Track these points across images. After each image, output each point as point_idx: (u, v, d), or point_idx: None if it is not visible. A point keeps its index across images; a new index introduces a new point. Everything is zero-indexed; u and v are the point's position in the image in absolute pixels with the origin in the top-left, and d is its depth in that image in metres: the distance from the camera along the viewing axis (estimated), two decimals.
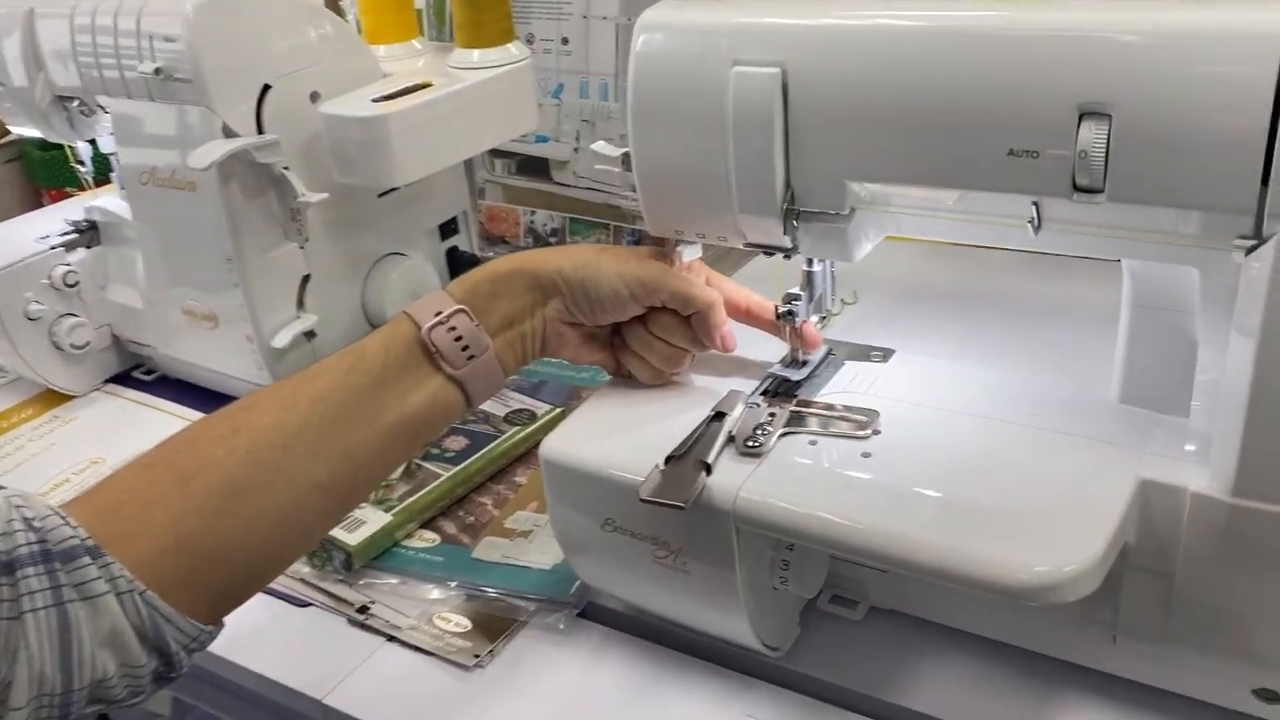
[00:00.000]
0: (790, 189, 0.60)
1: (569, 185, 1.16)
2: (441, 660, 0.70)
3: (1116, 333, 0.61)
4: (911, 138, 0.54)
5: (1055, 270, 0.77)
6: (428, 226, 1.05)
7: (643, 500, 0.58)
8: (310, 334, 0.94)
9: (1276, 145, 0.46)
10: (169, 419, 1.00)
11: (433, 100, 0.88)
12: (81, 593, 0.50)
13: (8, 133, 1.32)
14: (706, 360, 0.69)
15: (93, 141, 1.05)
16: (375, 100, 0.87)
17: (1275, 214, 0.47)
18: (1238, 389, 0.51)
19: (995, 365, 0.67)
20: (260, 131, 0.87)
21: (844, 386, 0.66)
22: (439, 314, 0.62)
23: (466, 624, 0.72)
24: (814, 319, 0.68)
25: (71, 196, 1.26)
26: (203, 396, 1.02)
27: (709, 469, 0.59)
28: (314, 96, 0.90)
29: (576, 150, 1.14)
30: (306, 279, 0.94)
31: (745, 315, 0.69)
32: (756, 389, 0.66)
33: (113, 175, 1.04)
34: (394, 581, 0.77)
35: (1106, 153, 0.49)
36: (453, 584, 0.75)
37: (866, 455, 0.59)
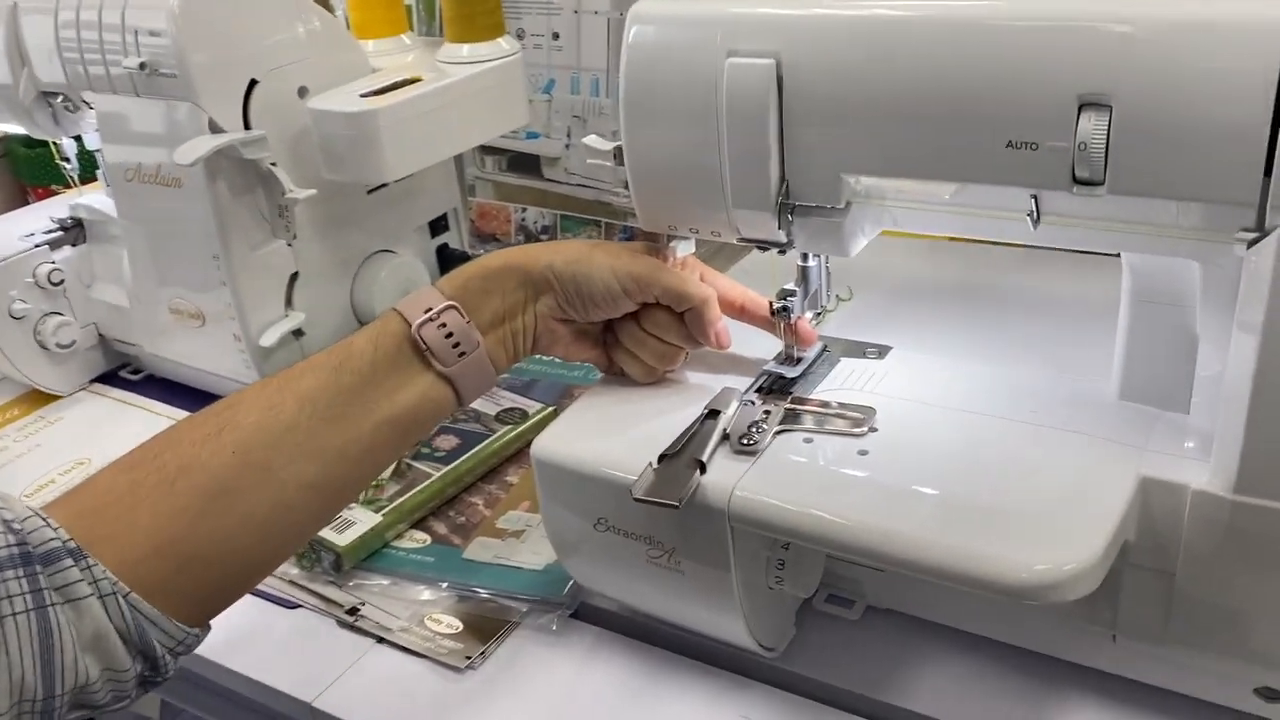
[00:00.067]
0: (785, 183, 0.59)
1: (560, 182, 1.15)
2: (433, 662, 0.69)
3: (1116, 328, 0.60)
4: (909, 130, 0.54)
5: (1054, 265, 0.76)
6: (417, 223, 1.04)
7: (636, 499, 0.57)
8: (299, 332, 0.93)
9: (1279, 136, 0.45)
10: (156, 419, 0.99)
11: (422, 95, 0.88)
12: (63, 595, 0.49)
13: None
14: (700, 357, 0.69)
15: (78, 138, 1.04)
16: (364, 95, 0.86)
17: (1278, 206, 0.47)
18: (1240, 385, 0.50)
19: (993, 361, 0.66)
20: (247, 127, 0.86)
21: (840, 383, 0.66)
22: (429, 310, 0.61)
23: (458, 625, 0.71)
24: (809, 315, 0.67)
25: (57, 194, 1.25)
26: (190, 396, 1.01)
27: (703, 467, 0.58)
28: (302, 92, 0.89)
29: (568, 146, 1.13)
30: (295, 277, 0.93)
31: (739, 312, 0.68)
32: (751, 386, 0.66)
33: (99, 172, 1.03)
34: (384, 582, 0.76)
35: (1107, 144, 0.49)
36: (444, 585, 0.74)
37: (863, 453, 0.59)
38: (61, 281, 1.01)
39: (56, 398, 1.04)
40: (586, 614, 0.71)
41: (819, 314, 0.69)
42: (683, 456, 0.59)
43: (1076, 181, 0.50)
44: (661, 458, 0.59)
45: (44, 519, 0.50)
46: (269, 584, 0.75)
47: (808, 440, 0.60)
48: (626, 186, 0.65)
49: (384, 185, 0.97)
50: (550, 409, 0.90)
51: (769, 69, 0.56)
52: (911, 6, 0.53)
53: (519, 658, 0.69)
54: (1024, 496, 0.55)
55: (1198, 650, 0.57)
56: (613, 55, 1.07)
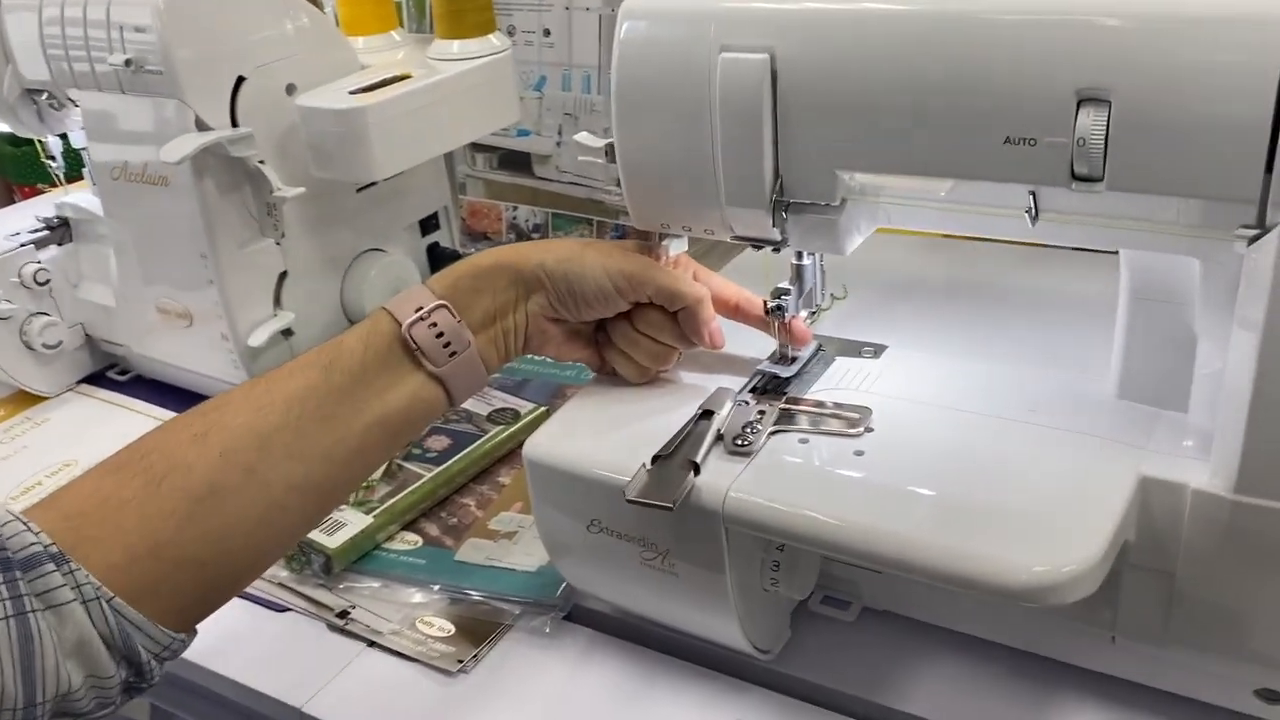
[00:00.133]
0: (779, 179, 0.58)
1: (551, 180, 1.14)
2: (424, 666, 0.68)
3: (1114, 325, 0.60)
4: (905, 125, 0.53)
5: (1051, 262, 0.75)
6: (408, 222, 1.04)
7: (629, 501, 0.56)
8: (288, 332, 0.93)
9: None
10: (144, 420, 0.98)
11: (412, 92, 0.87)
12: (45, 601, 0.48)
13: None
14: (693, 357, 0.68)
15: (64, 136, 1.03)
16: (353, 92, 0.86)
17: (1278, 203, 0.46)
18: (1240, 383, 0.49)
19: (990, 360, 0.65)
20: (234, 125, 0.85)
21: (835, 383, 0.65)
22: (420, 310, 0.61)
23: (450, 628, 0.71)
24: (803, 314, 0.67)
25: (43, 193, 1.24)
26: (178, 397, 1.00)
27: (697, 469, 0.57)
28: (290, 89, 0.88)
29: (559, 144, 1.12)
30: (283, 276, 0.92)
31: (733, 311, 0.67)
32: (745, 386, 0.65)
33: (85, 170, 1.02)
34: (375, 585, 0.75)
35: (1106, 140, 0.48)
36: (435, 587, 0.74)
37: (859, 454, 0.58)
38: (48, 281, 1.00)
39: (43, 399, 1.03)
40: (580, 616, 0.71)
41: (813, 313, 0.68)
42: (676, 457, 0.58)
43: (1075, 178, 0.49)
44: (655, 459, 0.58)
45: (25, 523, 0.49)
46: (258, 587, 0.74)
47: (803, 441, 0.60)
48: (618, 184, 0.64)
49: (374, 183, 0.96)
50: (542, 409, 0.89)
51: (763, 64, 0.55)
52: (907, 0, 0.52)
53: (512, 661, 0.68)
54: (1022, 497, 0.54)
55: (1198, 651, 0.56)
56: (604, 51, 1.06)
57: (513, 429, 0.87)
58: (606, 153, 0.64)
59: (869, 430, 0.59)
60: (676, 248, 0.67)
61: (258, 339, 0.90)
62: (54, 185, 1.11)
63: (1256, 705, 0.56)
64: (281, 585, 0.75)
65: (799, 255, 0.65)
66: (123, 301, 0.98)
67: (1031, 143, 0.50)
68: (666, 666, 0.66)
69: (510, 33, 1.10)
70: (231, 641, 0.70)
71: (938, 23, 0.51)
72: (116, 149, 0.90)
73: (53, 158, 1.06)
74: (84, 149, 0.98)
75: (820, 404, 0.62)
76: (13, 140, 1.38)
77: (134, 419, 0.99)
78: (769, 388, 0.65)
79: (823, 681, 0.63)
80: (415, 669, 0.68)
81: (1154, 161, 0.48)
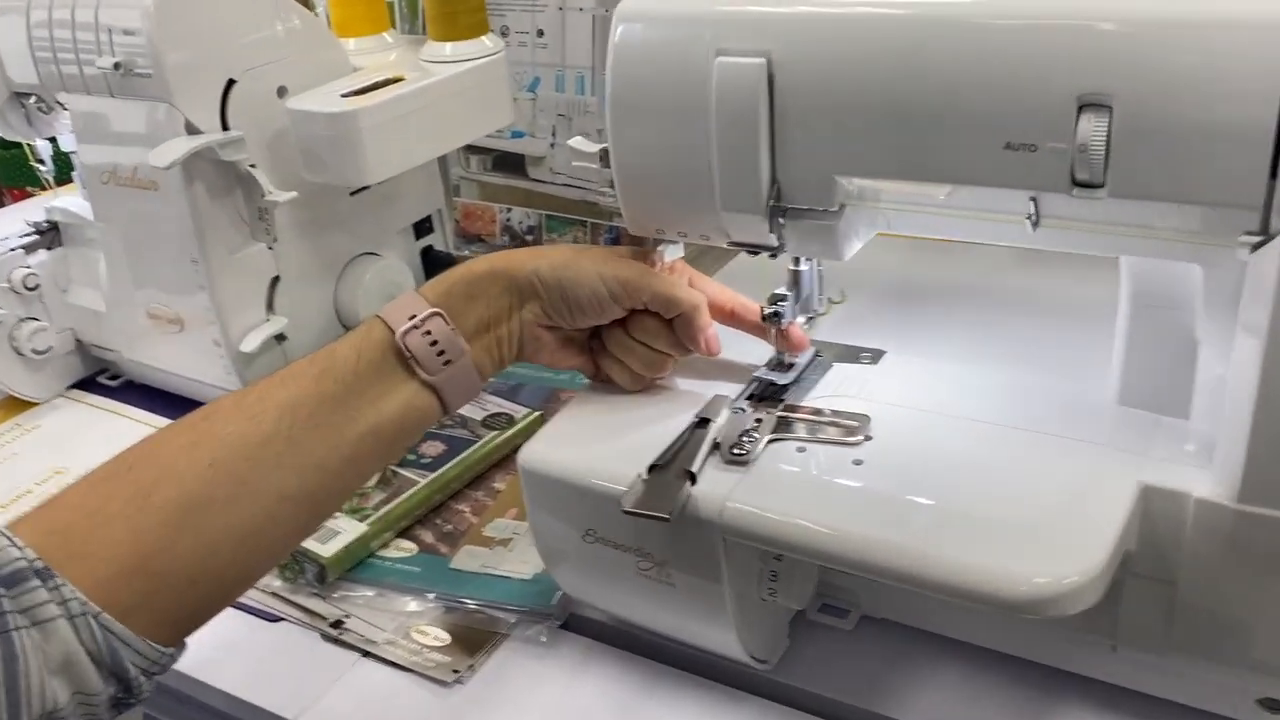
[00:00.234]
0: (776, 184, 0.58)
1: (545, 182, 1.14)
2: (419, 676, 0.67)
3: (1114, 332, 0.59)
4: (903, 130, 0.52)
5: (1051, 268, 0.75)
6: (401, 225, 1.03)
7: (626, 512, 0.56)
8: (281, 337, 0.92)
9: None
10: (135, 426, 0.97)
11: (404, 95, 0.86)
12: (30, 618, 0.47)
13: None
14: (689, 364, 0.67)
15: (53, 140, 1.02)
16: (345, 95, 0.85)
17: None
18: (1243, 391, 0.49)
19: (990, 367, 0.65)
20: (225, 128, 0.84)
21: (833, 390, 0.64)
22: (413, 317, 0.60)
23: (445, 637, 0.70)
24: (801, 320, 0.66)
25: (32, 196, 1.23)
26: (170, 402, 0.99)
27: (694, 478, 0.57)
28: (281, 91, 0.87)
29: (553, 146, 1.11)
30: (276, 280, 0.91)
31: (729, 317, 0.67)
32: (742, 394, 0.64)
33: (74, 174, 1.01)
34: (370, 594, 0.74)
35: (1107, 146, 0.47)
36: (431, 595, 0.73)
37: (857, 462, 0.57)
38: (37, 286, 0.99)
39: (33, 405, 1.02)
40: (576, 625, 0.70)
41: (811, 319, 0.68)
42: (673, 467, 0.58)
43: (1076, 184, 0.49)
44: (651, 468, 0.58)
45: (9, 538, 0.49)
46: (250, 597, 0.74)
47: (801, 449, 0.59)
48: (612, 186, 0.63)
49: (366, 187, 0.95)
50: (537, 414, 0.88)
51: (760, 68, 0.54)
52: (907, 4, 0.51)
53: (508, 670, 0.67)
54: (1023, 506, 0.53)
55: (1199, 660, 0.56)
56: (598, 52, 1.06)
57: (507, 434, 0.86)
58: (601, 158, 0.63)
59: (867, 438, 0.59)
60: (672, 253, 0.66)
61: (250, 344, 0.89)
62: (43, 189, 1.10)
63: (1259, 714, 0.56)
64: (275, 595, 0.75)
65: (796, 261, 0.64)
66: (113, 306, 0.98)
67: (1032, 149, 0.49)
68: (664, 676, 0.66)
69: (503, 34, 1.09)
70: (224, 652, 0.69)
71: (937, 27, 0.50)
72: (106, 152, 0.89)
73: (42, 161, 1.05)
74: (73, 152, 0.97)
75: (818, 411, 0.62)
76: (1, 143, 1.37)
77: (125, 425, 0.98)
78: (766, 395, 0.64)
79: (821, 691, 0.62)
80: (410, 679, 0.67)
81: (1156, 168, 0.47)
